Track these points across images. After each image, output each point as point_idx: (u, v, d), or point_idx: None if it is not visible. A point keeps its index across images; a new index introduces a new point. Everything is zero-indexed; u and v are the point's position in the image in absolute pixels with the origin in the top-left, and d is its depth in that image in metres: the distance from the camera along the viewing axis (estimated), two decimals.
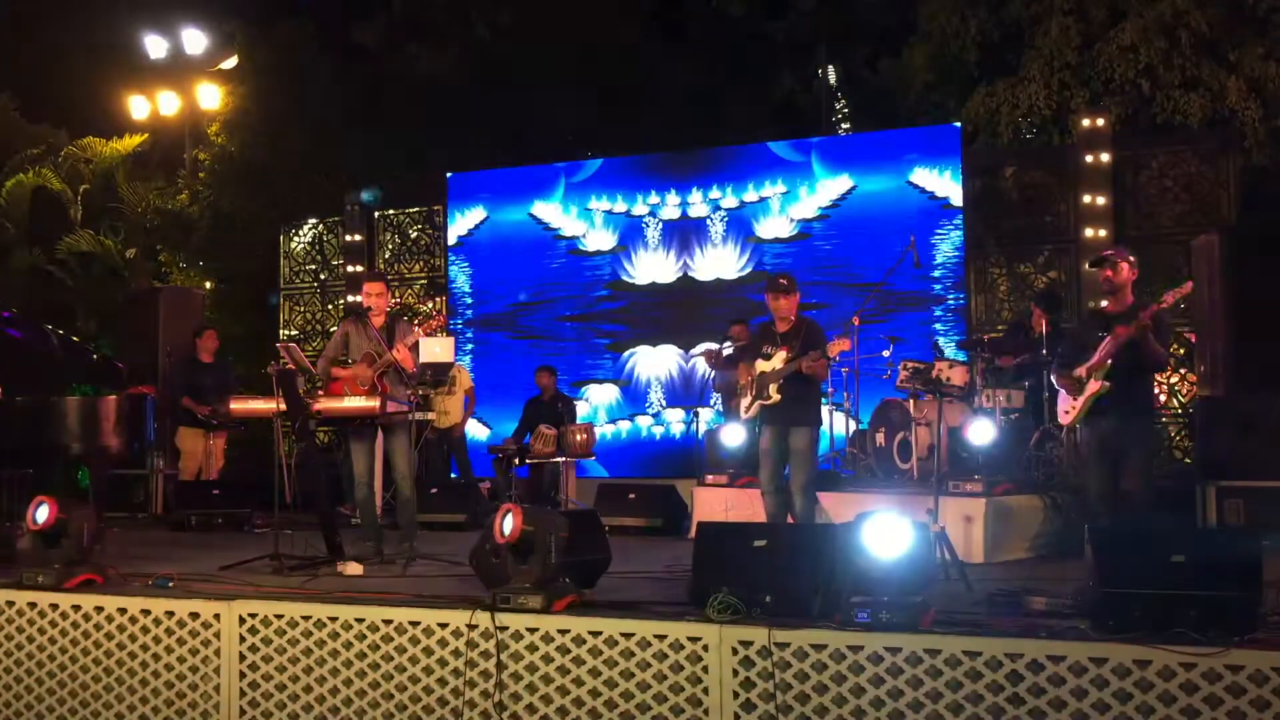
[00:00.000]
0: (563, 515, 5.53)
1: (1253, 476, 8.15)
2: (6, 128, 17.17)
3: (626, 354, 12.22)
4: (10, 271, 16.12)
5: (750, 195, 11.79)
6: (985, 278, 11.19)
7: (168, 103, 15.86)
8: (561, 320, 12.49)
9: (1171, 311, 6.21)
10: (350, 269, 13.27)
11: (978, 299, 11.12)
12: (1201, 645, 4.07)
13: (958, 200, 10.90)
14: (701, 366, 11.23)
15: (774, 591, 4.77)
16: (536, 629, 4.88)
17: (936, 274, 10.89)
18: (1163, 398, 10.21)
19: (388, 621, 5.15)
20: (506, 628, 4.90)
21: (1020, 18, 12.79)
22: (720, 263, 11.88)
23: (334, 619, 5.24)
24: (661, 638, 4.72)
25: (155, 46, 15.90)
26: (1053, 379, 6.56)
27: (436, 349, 10.10)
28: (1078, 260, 10.46)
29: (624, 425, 12.14)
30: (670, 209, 12.12)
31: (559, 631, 4.86)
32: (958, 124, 11.86)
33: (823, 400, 7.21)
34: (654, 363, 12.10)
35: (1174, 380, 10.31)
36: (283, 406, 6.92)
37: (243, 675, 5.35)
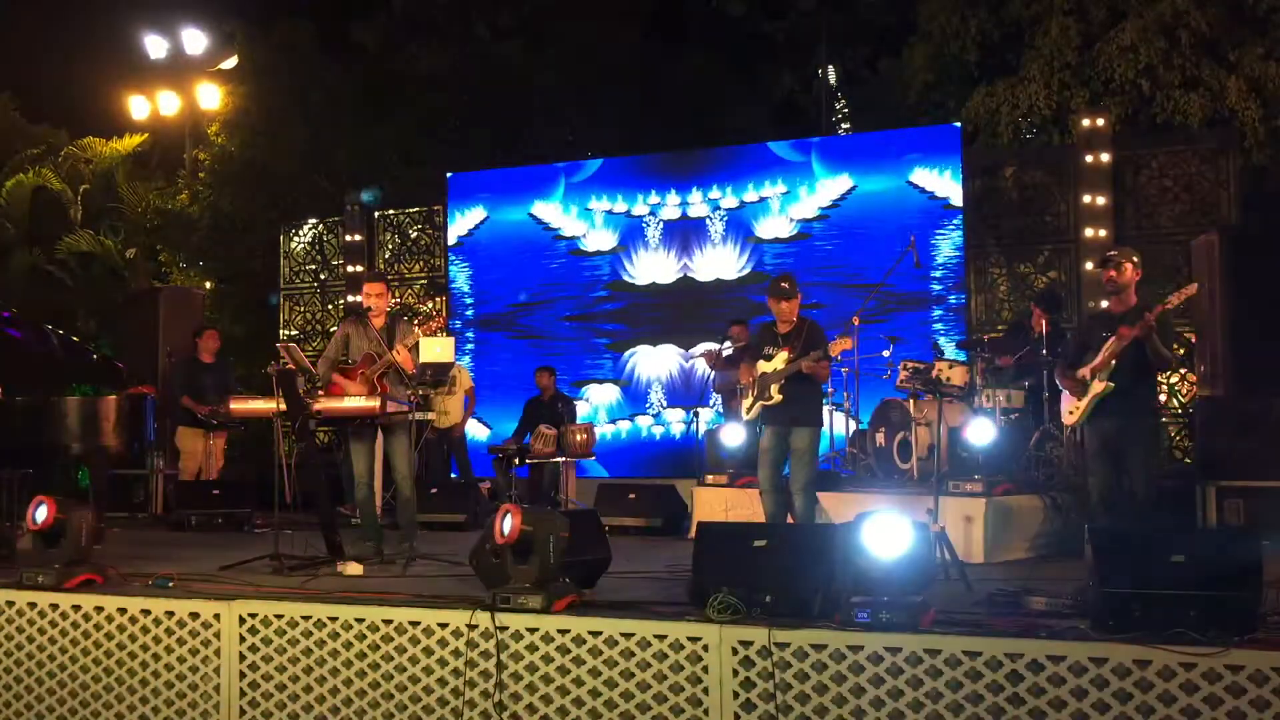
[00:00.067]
0: (563, 515, 5.52)
1: (1253, 476, 8.17)
2: (6, 128, 17.18)
3: (626, 354, 12.21)
4: (10, 271, 16.12)
5: (750, 195, 11.78)
6: (985, 278, 11.19)
7: (168, 103, 15.87)
8: (561, 320, 12.48)
9: (1175, 312, 6.22)
10: (350, 269, 13.25)
11: (978, 299, 11.11)
12: (1201, 645, 4.07)
13: (958, 200, 10.90)
14: (701, 367, 11.23)
15: (774, 591, 4.77)
16: (536, 629, 4.88)
17: (936, 274, 10.89)
18: (1163, 398, 10.19)
19: (388, 621, 5.15)
20: (506, 628, 4.90)
21: (1020, 18, 12.80)
22: (720, 263, 11.88)
23: (334, 619, 5.23)
24: (661, 638, 4.72)
25: (155, 46, 15.92)
26: (1056, 379, 6.56)
27: (437, 349, 10.06)
28: (1078, 260, 10.47)
29: (624, 425, 12.14)
30: (670, 209, 12.11)
31: (559, 631, 4.85)
32: (958, 124, 11.86)
33: (823, 400, 7.21)
34: (654, 363, 12.09)
35: (1174, 380, 10.30)
36: (283, 406, 6.91)
37: (243, 675, 5.34)
